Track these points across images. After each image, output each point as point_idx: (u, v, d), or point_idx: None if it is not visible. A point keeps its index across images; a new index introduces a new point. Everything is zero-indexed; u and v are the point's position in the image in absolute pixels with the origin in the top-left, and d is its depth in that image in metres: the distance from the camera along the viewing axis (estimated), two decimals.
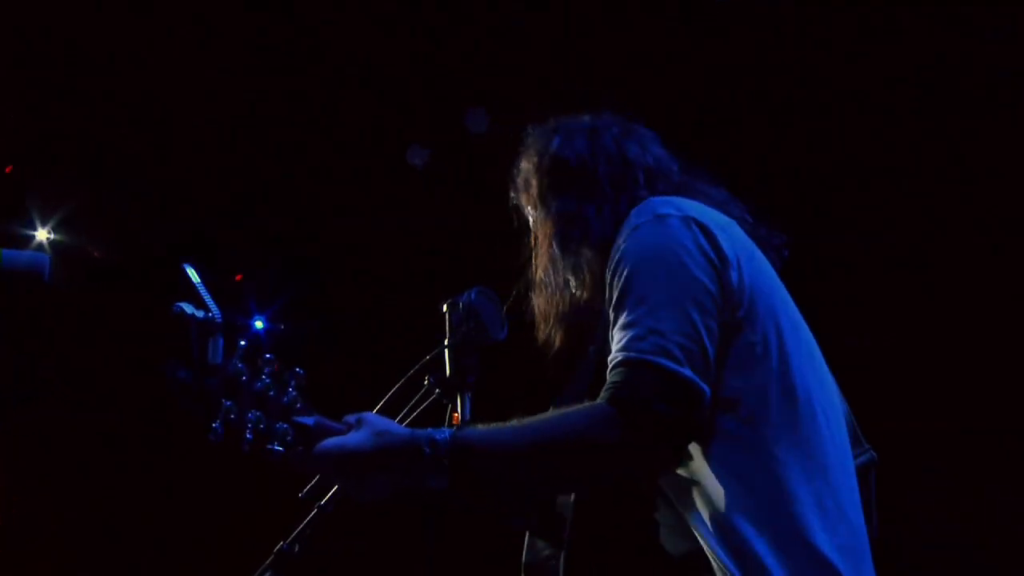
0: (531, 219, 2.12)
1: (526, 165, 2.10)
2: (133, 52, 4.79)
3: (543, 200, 2.04)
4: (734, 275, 1.74)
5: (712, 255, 1.73)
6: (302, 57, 4.91)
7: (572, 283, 1.96)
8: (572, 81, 4.81)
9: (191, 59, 4.85)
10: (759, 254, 1.87)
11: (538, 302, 2.04)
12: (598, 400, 1.64)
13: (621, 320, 1.70)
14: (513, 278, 2.16)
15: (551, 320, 2.00)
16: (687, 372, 1.62)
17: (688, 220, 1.76)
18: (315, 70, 4.96)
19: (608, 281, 1.78)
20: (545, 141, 2.08)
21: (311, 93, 5.08)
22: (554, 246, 1.98)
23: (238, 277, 5.71)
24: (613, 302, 1.74)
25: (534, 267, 2.08)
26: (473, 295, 2.12)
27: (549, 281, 2.00)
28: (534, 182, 2.07)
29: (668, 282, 1.69)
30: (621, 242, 1.78)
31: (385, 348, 5.52)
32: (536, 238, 2.08)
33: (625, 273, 1.73)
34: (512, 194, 2.15)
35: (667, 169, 2.02)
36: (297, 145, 5.32)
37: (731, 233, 1.82)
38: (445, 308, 2.14)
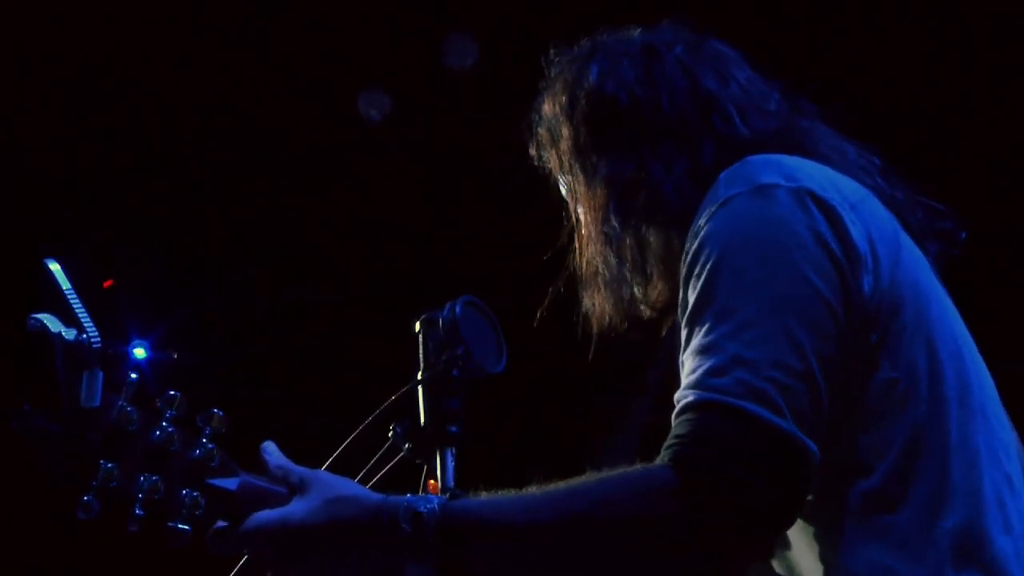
0: (564, 188, 2.15)
1: (550, 109, 2.11)
2: None
3: (582, 160, 2.05)
4: (867, 280, 1.72)
5: (836, 249, 1.71)
6: None
7: (638, 277, 2.00)
8: None
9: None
10: (908, 243, 1.85)
11: (595, 302, 2.08)
12: (657, 460, 1.63)
13: (696, 340, 1.69)
14: (513, 282, 2.17)
15: (619, 325, 2.05)
16: (787, 425, 1.60)
17: (803, 194, 1.74)
18: None
19: (682, 279, 1.77)
20: (579, 71, 2.08)
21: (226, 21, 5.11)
22: (612, 221, 1.98)
23: (107, 283, 5.71)
24: (687, 312, 1.73)
25: (578, 254, 2.09)
26: (458, 309, 2.14)
27: (608, 273, 2.02)
28: (565, 133, 2.07)
29: (768, 287, 1.67)
30: (702, 223, 1.76)
31: (334, 385, 5.53)
32: (576, 213, 2.12)
33: (706, 271, 1.70)
34: (531, 152, 2.19)
35: (762, 103, 2.02)
36: (188, 101, 5.33)
37: (866, 214, 1.78)
38: (418, 327, 2.17)
